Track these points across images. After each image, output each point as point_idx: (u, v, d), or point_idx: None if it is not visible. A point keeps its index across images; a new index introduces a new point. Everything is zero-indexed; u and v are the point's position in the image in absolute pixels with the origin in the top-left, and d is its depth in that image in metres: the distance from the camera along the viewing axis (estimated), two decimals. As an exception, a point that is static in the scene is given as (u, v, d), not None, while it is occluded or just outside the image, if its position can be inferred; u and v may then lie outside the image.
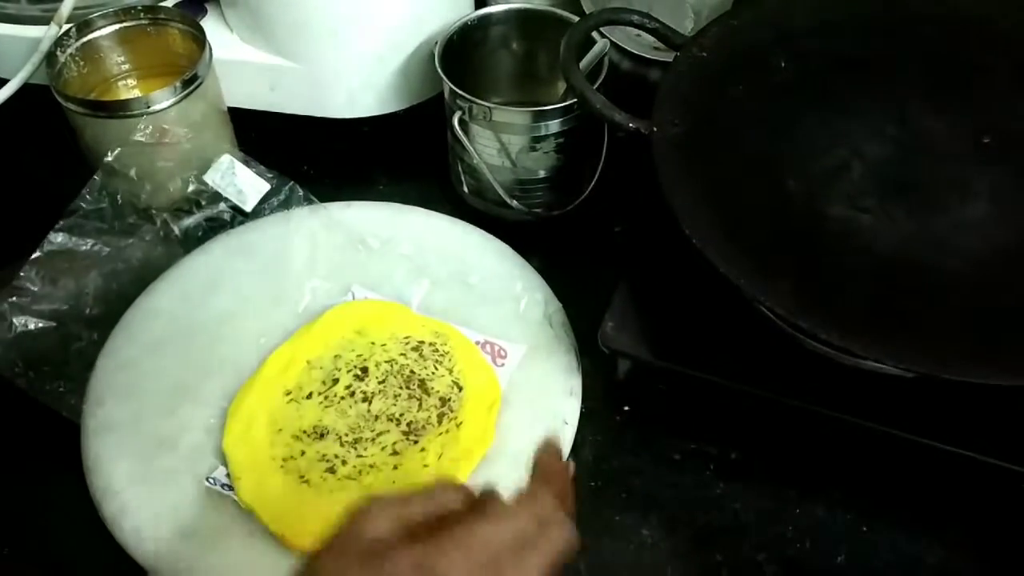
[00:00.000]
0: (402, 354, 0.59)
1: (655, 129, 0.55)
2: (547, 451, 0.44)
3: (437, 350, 0.59)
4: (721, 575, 0.53)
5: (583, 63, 0.63)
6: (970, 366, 0.48)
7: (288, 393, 0.57)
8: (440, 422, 0.56)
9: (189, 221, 0.66)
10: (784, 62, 0.59)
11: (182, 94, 0.64)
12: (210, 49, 0.67)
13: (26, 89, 0.68)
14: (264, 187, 0.66)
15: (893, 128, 0.58)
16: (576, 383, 0.58)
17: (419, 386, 0.57)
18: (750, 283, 0.49)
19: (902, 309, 0.51)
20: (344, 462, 0.54)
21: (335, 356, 0.59)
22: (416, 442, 0.55)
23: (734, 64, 0.59)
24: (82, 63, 0.68)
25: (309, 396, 0.57)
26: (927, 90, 0.59)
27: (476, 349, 0.59)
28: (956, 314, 0.51)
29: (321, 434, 0.55)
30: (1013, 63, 0.60)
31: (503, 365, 0.58)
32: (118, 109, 0.64)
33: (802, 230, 0.54)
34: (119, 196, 0.64)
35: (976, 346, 0.49)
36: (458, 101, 0.64)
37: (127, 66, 0.71)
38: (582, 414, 0.57)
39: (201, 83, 0.65)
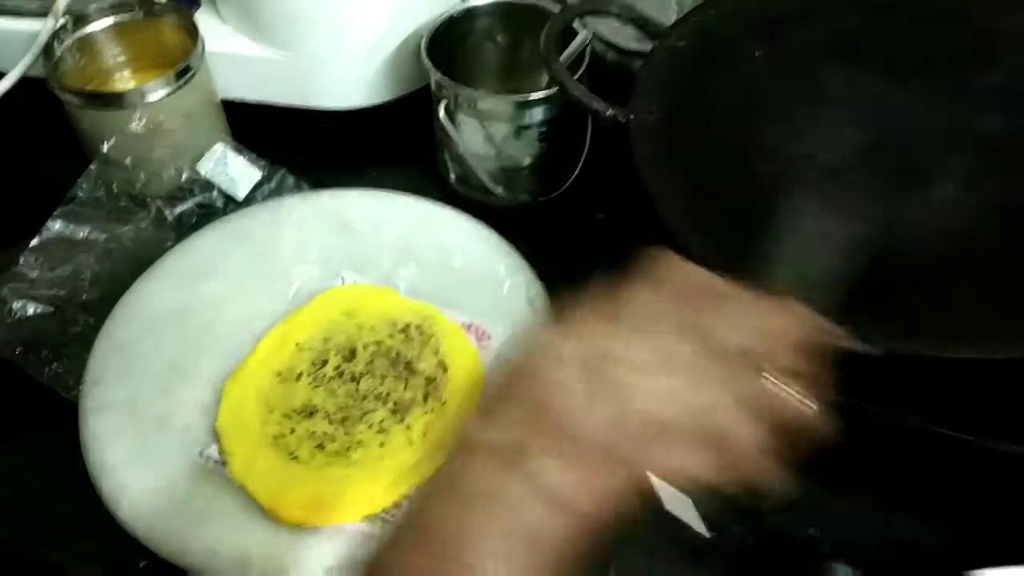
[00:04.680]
0: (389, 336, 0.60)
1: (632, 117, 0.56)
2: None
3: (423, 332, 0.61)
4: (695, 551, 0.55)
5: (565, 54, 0.65)
6: (942, 342, 0.49)
7: (279, 374, 0.59)
8: (426, 401, 0.58)
9: (183, 208, 0.67)
10: (759, 51, 0.61)
11: (176, 85, 0.66)
12: (203, 42, 0.68)
13: (24, 81, 0.70)
14: (256, 175, 0.68)
15: (866, 114, 0.59)
16: (558, 363, 0.60)
17: (405, 367, 0.59)
18: (721, 266, 0.51)
19: (873, 289, 0.53)
20: (333, 439, 0.56)
21: (324, 338, 0.61)
22: (402, 420, 0.57)
23: (711, 53, 0.61)
24: (78, 56, 0.70)
25: (299, 377, 0.59)
26: (899, 77, 0.60)
27: (461, 331, 0.61)
28: (927, 293, 0.53)
29: (310, 412, 0.57)
30: (984, 51, 0.62)
31: (487, 347, 0.60)
32: (114, 100, 0.66)
33: (773, 212, 0.56)
34: (115, 184, 0.66)
35: (947, 323, 0.51)
36: (444, 90, 0.66)
37: (122, 58, 0.72)
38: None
39: (194, 75, 0.67)
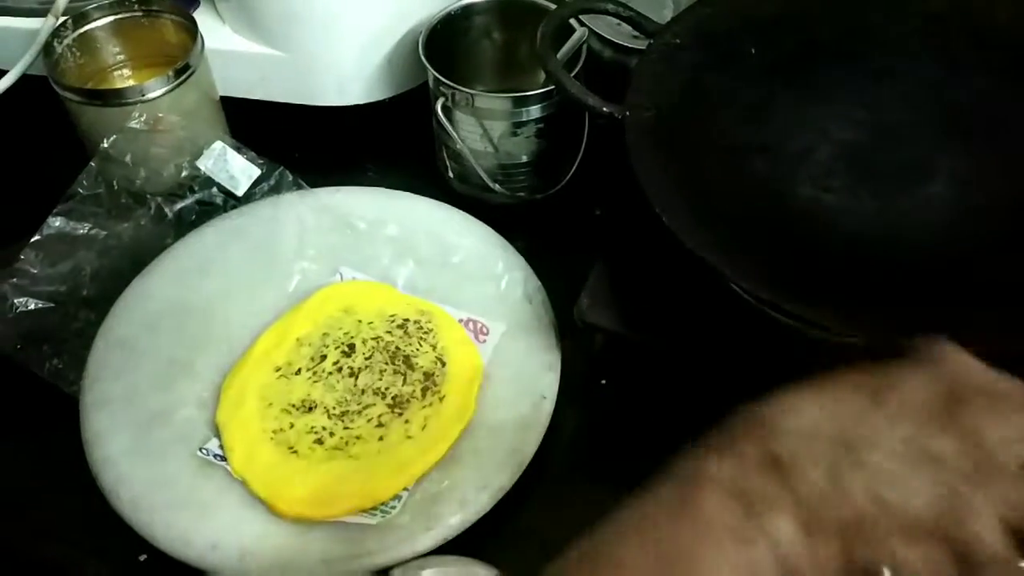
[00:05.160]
0: (388, 331, 0.61)
1: (628, 113, 0.57)
2: None
3: (421, 327, 0.61)
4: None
5: (562, 51, 0.65)
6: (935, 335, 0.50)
7: (278, 369, 0.59)
8: (424, 396, 0.58)
9: (182, 205, 0.67)
10: (754, 48, 0.62)
11: (175, 83, 0.66)
12: (202, 40, 0.69)
13: (24, 79, 0.71)
14: (255, 172, 0.68)
15: (860, 111, 0.60)
16: (555, 359, 0.60)
17: (404, 362, 0.59)
18: (718, 259, 0.52)
19: (867, 283, 0.54)
20: (332, 433, 0.56)
21: (323, 334, 0.61)
22: (401, 414, 0.57)
23: (706, 51, 0.61)
24: (78, 54, 0.70)
25: (298, 372, 0.59)
26: (893, 75, 0.61)
27: (459, 326, 0.61)
28: (920, 287, 0.53)
29: (310, 407, 0.58)
30: (979, 50, 0.62)
31: (485, 342, 0.61)
32: (114, 97, 0.66)
33: (770, 209, 0.56)
34: (115, 181, 0.66)
35: (939, 316, 0.51)
36: (442, 88, 0.66)
37: (122, 57, 0.73)
38: (560, 389, 0.59)
39: (193, 72, 0.68)
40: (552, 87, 0.64)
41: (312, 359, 0.60)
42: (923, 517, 0.33)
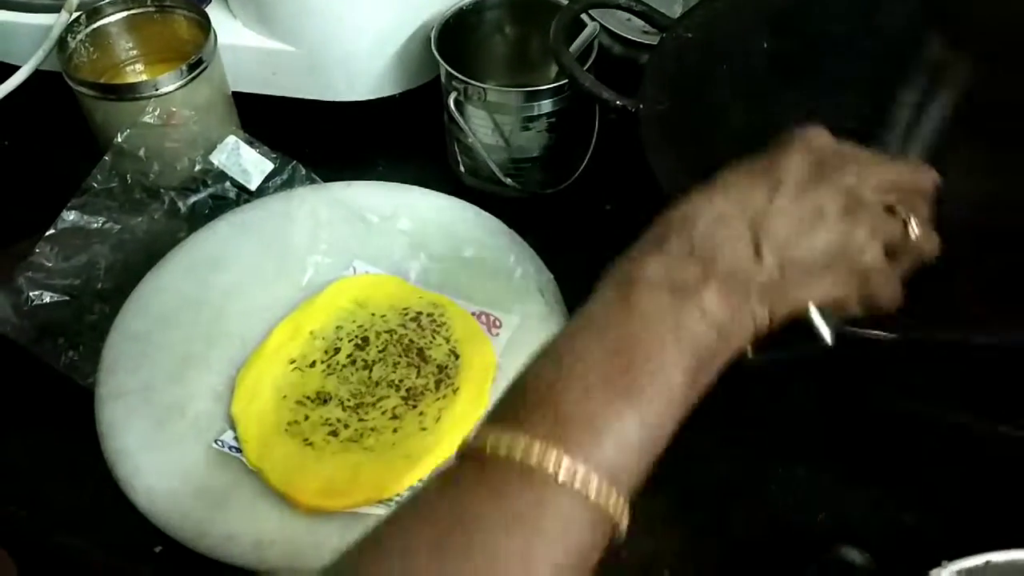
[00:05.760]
0: (401, 324, 0.61)
1: (641, 106, 0.57)
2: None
3: (435, 320, 0.61)
4: (705, 534, 0.56)
5: (574, 46, 0.66)
6: (946, 328, 0.50)
7: (292, 362, 0.60)
8: (438, 388, 0.58)
9: (195, 199, 0.68)
10: (765, 42, 0.62)
11: (188, 78, 0.67)
12: (215, 35, 0.69)
13: (38, 75, 0.71)
14: (268, 166, 0.69)
15: (870, 105, 0.60)
16: (568, 351, 0.60)
17: (418, 354, 0.60)
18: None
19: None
20: (346, 425, 0.57)
21: (337, 327, 0.61)
22: (415, 407, 0.57)
23: (717, 44, 0.61)
24: (92, 49, 0.71)
25: (312, 364, 0.60)
26: (903, 68, 0.61)
27: (472, 319, 0.61)
28: (928, 280, 0.54)
29: (324, 399, 0.58)
30: (985, 43, 0.63)
31: (498, 335, 0.61)
32: (127, 92, 0.67)
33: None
34: (128, 176, 0.66)
35: (949, 309, 0.52)
36: (454, 83, 0.66)
37: (135, 52, 0.73)
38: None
39: (206, 67, 0.68)
40: (563, 82, 0.65)
41: (326, 352, 0.60)
42: (830, 261, 0.41)
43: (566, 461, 0.35)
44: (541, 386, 0.38)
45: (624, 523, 0.37)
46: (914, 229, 0.44)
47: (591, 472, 0.35)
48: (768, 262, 0.40)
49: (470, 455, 0.37)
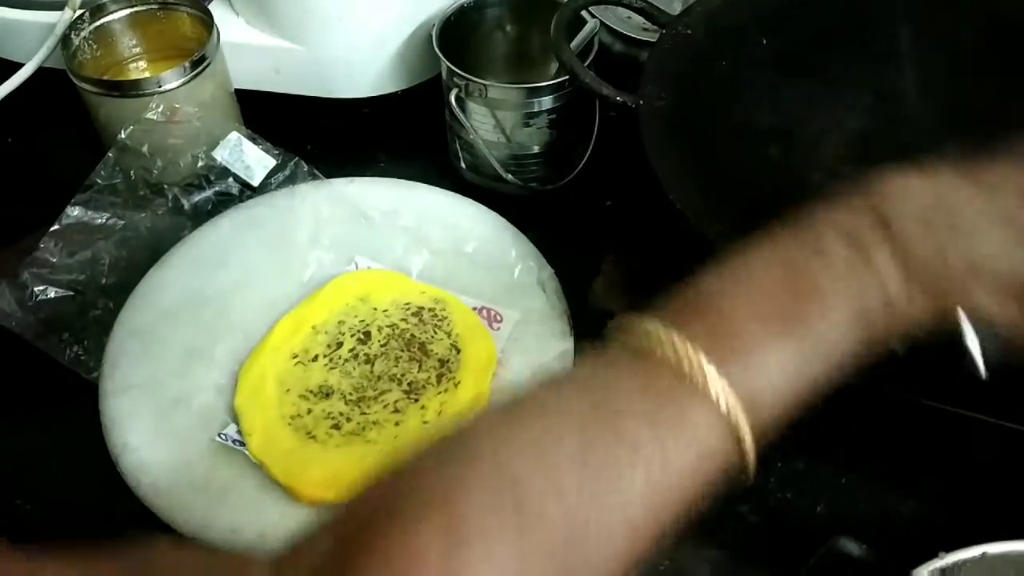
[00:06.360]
0: (403, 319, 0.62)
1: (641, 102, 0.57)
2: None
3: (436, 315, 0.62)
4: (703, 527, 0.56)
5: (574, 43, 0.66)
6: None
7: (295, 356, 0.60)
8: (439, 382, 0.59)
9: (199, 195, 0.68)
10: (765, 38, 0.62)
11: (191, 74, 0.67)
12: (218, 32, 0.70)
13: (42, 72, 0.72)
14: (270, 162, 0.69)
15: (869, 99, 0.60)
16: (568, 346, 0.60)
17: (419, 349, 0.60)
18: (730, 245, 0.52)
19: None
20: (349, 419, 0.57)
21: (339, 321, 0.62)
22: (417, 400, 0.58)
23: (717, 40, 0.61)
24: (95, 46, 0.71)
25: (315, 359, 0.60)
26: (901, 62, 0.61)
27: (473, 314, 0.62)
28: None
29: (327, 393, 0.58)
30: (988, 37, 0.63)
31: (499, 329, 0.61)
32: (131, 89, 0.67)
33: (783, 196, 0.56)
34: (132, 172, 0.67)
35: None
36: (455, 79, 0.67)
37: (138, 49, 0.74)
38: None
39: (209, 64, 0.68)
40: (564, 78, 0.65)
41: (329, 346, 0.60)
42: (1000, 268, 0.38)
43: (712, 372, 0.34)
44: (712, 292, 0.37)
45: (751, 463, 0.36)
46: None
47: (730, 389, 0.35)
48: (938, 246, 0.38)
49: (626, 342, 0.37)
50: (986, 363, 0.39)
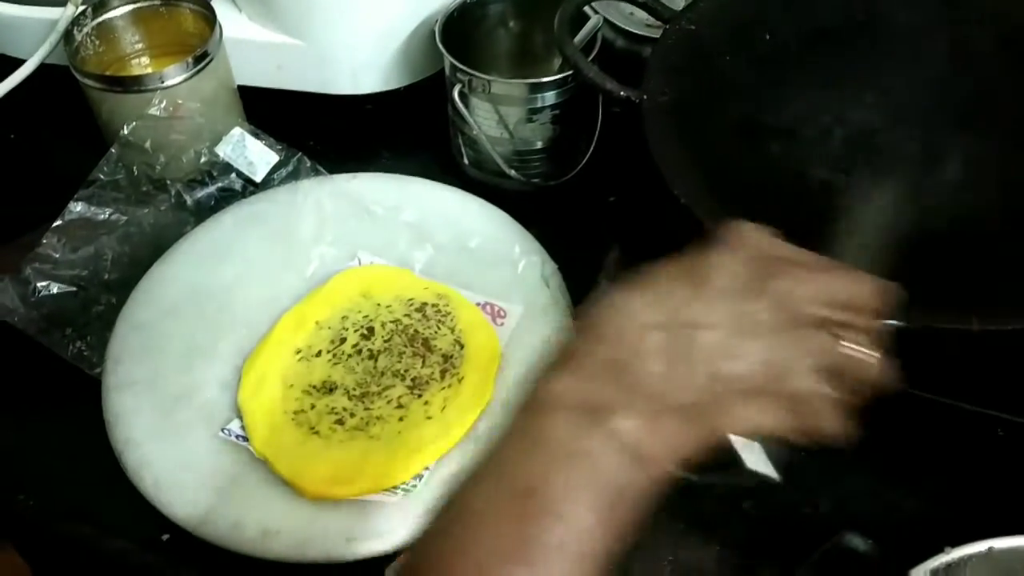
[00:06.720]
0: (406, 315, 0.62)
1: (645, 97, 0.57)
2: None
3: (440, 311, 0.62)
4: (707, 523, 0.56)
5: (577, 38, 0.66)
6: (948, 315, 0.50)
7: (298, 352, 0.60)
8: (443, 377, 0.59)
9: (201, 191, 0.68)
10: (768, 35, 0.62)
11: (194, 70, 0.67)
12: (220, 28, 0.70)
13: (44, 68, 0.71)
14: (273, 158, 0.69)
15: (872, 96, 0.60)
16: (572, 341, 0.61)
17: (423, 344, 0.60)
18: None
19: (884, 263, 0.54)
20: (352, 414, 0.57)
21: (343, 317, 0.62)
22: (420, 396, 0.58)
23: (720, 36, 0.62)
24: (98, 42, 0.71)
25: (318, 354, 0.60)
26: (903, 59, 0.61)
27: (477, 310, 0.62)
28: (932, 268, 0.54)
29: (330, 389, 0.58)
30: (989, 34, 0.63)
31: (503, 324, 0.61)
32: (133, 84, 0.67)
33: (786, 191, 0.57)
34: (135, 168, 0.67)
35: (953, 296, 0.52)
36: (458, 75, 0.67)
37: (140, 45, 0.74)
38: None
39: (212, 60, 0.68)
40: (567, 74, 0.65)
41: (332, 342, 0.60)
42: (755, 382, 0.37)
43: None
44: (442, 551, 0.36)
45: None
46: (851, 352, 0.38)
47: None
48: (685, 378, 0.37)
49: None
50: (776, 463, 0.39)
